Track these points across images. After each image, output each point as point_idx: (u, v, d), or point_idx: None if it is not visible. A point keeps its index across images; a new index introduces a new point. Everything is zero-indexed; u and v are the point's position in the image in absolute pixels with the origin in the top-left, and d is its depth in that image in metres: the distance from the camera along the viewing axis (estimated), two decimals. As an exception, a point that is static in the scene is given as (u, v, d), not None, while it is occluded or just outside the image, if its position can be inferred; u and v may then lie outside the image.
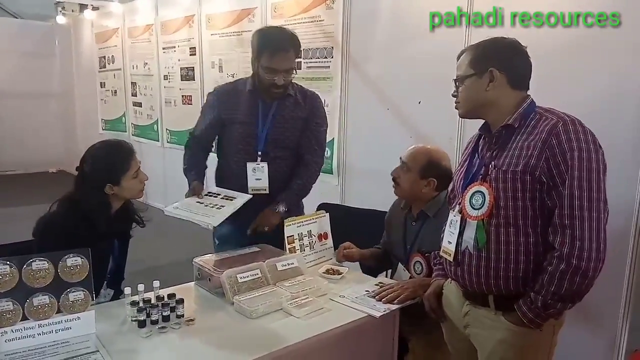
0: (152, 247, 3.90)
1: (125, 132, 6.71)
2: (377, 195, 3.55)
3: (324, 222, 2.25)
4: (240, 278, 1.77)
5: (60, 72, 8.29)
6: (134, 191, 1.91)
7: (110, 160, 1.86)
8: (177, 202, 2.15)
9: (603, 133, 1.43)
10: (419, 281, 1.86)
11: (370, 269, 2.21)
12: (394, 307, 1.73)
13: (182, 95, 5.59)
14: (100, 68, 7.22)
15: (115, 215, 1.92)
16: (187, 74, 5.47)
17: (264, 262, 1.85)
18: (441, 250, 1.60)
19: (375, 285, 1.91)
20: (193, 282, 1.93)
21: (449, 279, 1.64)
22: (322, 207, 2.64)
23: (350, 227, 2.51)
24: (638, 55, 2.20)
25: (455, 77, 1.53)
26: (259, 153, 2.24)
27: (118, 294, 1.96)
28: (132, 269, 2.07)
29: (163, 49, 5.80)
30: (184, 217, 2.05)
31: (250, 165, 2.23)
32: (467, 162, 1.59)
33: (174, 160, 5.77)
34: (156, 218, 2.08)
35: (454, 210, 1.56)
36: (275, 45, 2.12)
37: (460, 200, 1.52)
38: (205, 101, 2.40)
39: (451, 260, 1.53)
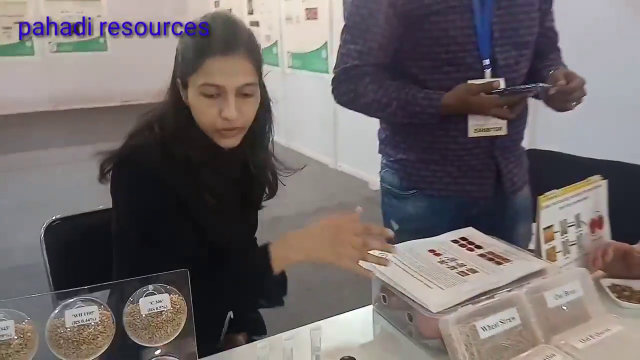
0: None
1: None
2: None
3: (600, 197, 1.20)
4: (484, 329, 0.86)
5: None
6: (202, 117, 1.00)
7: (190, 41, 1.01)
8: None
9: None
10: None
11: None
12: None
13: (306, 9, 4.65)
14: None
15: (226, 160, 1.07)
16: (312, -19, 4.50)
17: (520, 287, 0.91)
18: None
19: None
20: (371, 308, 1.08)
21: None
22: (530, 154, 1.65)
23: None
24: None
25: None
26: (486, 62, 1.22)
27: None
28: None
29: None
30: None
31: None
32: None
33: (297, 88, 5.02)
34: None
35: None
36: None
37: None
38: None
39: None
